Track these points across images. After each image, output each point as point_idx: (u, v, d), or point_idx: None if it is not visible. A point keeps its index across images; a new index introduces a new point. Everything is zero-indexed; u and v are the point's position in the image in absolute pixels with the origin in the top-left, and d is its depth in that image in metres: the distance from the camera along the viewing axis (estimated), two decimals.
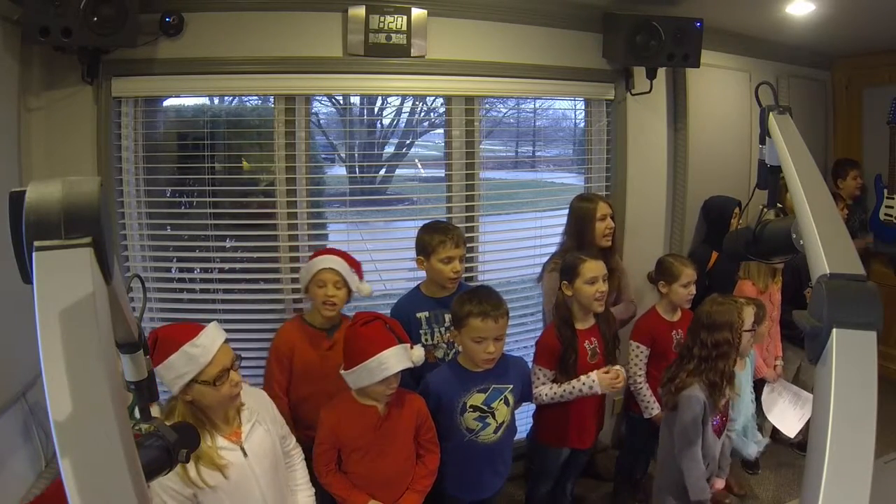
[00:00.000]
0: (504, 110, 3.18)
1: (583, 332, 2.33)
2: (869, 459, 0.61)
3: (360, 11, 2.49)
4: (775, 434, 2.98)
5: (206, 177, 2.58)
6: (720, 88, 3.46)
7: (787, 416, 2.77)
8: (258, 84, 2.55)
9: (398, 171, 3.16)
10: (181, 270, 2.73)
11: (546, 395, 2.27)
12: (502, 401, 2.09)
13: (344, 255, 2.25)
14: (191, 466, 1.51)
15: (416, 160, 3.21)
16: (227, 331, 1.66)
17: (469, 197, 2.85)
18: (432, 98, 2.97)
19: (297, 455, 1.90)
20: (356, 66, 2.54)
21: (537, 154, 3.29)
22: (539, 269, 2.98)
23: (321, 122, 2.88)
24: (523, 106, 3.12)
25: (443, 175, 2.88)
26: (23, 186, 0.63)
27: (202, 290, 2.71)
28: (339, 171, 2.97)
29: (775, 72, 3.70)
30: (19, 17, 2.00)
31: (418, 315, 2.32)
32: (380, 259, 2.81)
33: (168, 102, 2.65)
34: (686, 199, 3.32)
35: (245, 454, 1.63)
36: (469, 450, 2.09)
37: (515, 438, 2.32)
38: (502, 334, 2.03)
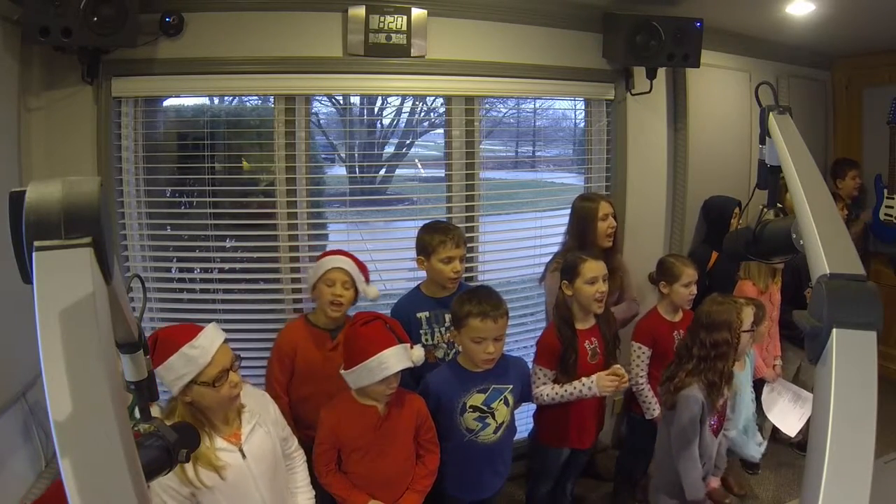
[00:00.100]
0: (504, 110, 3.18)
1: (583, 332, 2.32)
2: (869, 459, 0.61)
3: (360, 11, 2.49)
4: (775, 434, 2.98)
5: (206, 177, 2.58)
6: (720, 88, 3.46)
7: (788, 415, 2.77)
8: (258, 84, 2.55)
9: (398, 171, 3.16)
10: (181, 270, 2.73)
11: (546, 395, 2.27)
12: (502, 401, 2.09)
13: (353, 258, 2.26)
14: (188, 466, 1.51)
15: (416, 160, 3.21)
16: (226, 331, 1.66)
17: (469, 197, 2.85)
18: (432, 98, 2.97)
19: (299, 457, 1.90)
20: (356, 66, 2.54)
21: (537, 154, 3.29)
22: (539, 269, 2.98)
23: (321, 122, 2.88)
24: (523, 106, 3.12)
25: (443, 175, 2.88)
26: (23, 186, 0.63)
27: (202, 290, 2.71)
28: (339, 171, 2.97)
29: (775, 72, 3.70)
30: (19, 17, 2.00)
31: (418, 315, 2.32)
32: (380, 259, 2.81)
33: (168, 102, 2.65)
34: (686, 199, 3.32)
35: (244, 456, 1.63)
36: (469, 450, 2.09)
37: (516, 438, 2.32)
38: (502, 334, 2.03)
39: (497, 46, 2.73)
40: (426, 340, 2.32)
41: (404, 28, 2.54)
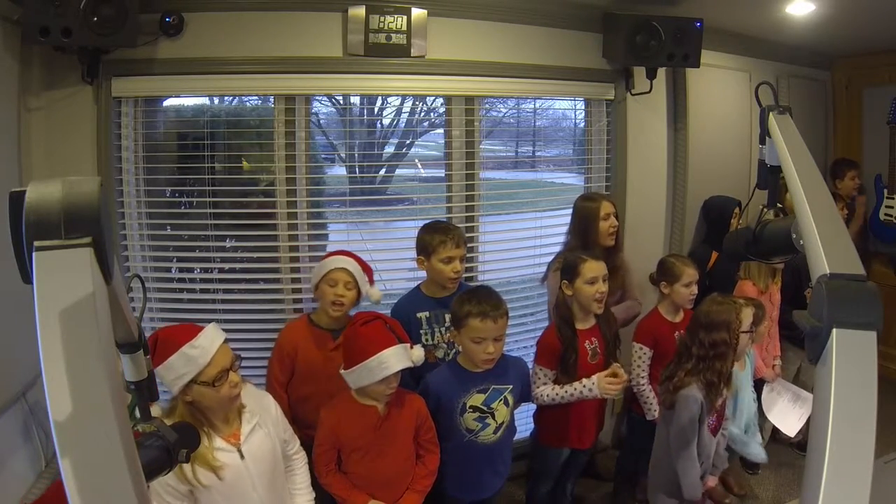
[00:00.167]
0: (504, 110, 3.18)
1: (583, 332, 2.32)
2: (869, 459, 0.61)
3: (360, 11, 2.49)
4: (775, 434, 2.98)
5: (206, 177, 2.58)
6: (720, 88, 3.46)
7: (787, 415, 2.77)
8: (258, 84, 2.55)
9: (398, 171, 3.16)
10: (181, 270, 2.73)
11: (546, 395, 2.27)
12: (502, 401, 2.09)
13: (357, 259, 2.25)
14: (185, 465, 1.51)
15: (416, 160, 3.21)
16: (226, 331, 1.66)
17: (469, 197, 2.85)
18: (432, 98, 2.97)
19: (300, 459, 1.90)
20: (356, 66, 2.54)
21: (537, 154, 3.28)
22: (539, 270, 2.98)
23: (321, 122, 2.88)
24: (523, 106, 3.12)
25: (443, 175, 2.88)
26: (23, 186, 0.63)
27: (202, 290, 2.71)
28: (339, 171, 2.97)
29: (775, 72, 3.70)
30: (19, 17, 2.00)
31: (419, 315, 2.32)
32: (380, 259, 2.81)
33: (168, 102, 2.65)
34: (686, 199, 3.32)
35: (242, 456, 1.63)
36: (469, 450, 2.09)
37: (516, 438, 2.32)
38: (502, 334, 2.03)
39: (497, 46, 2.73)
40: (426, 340, 2.32)
41: (404, 28, 2.54)
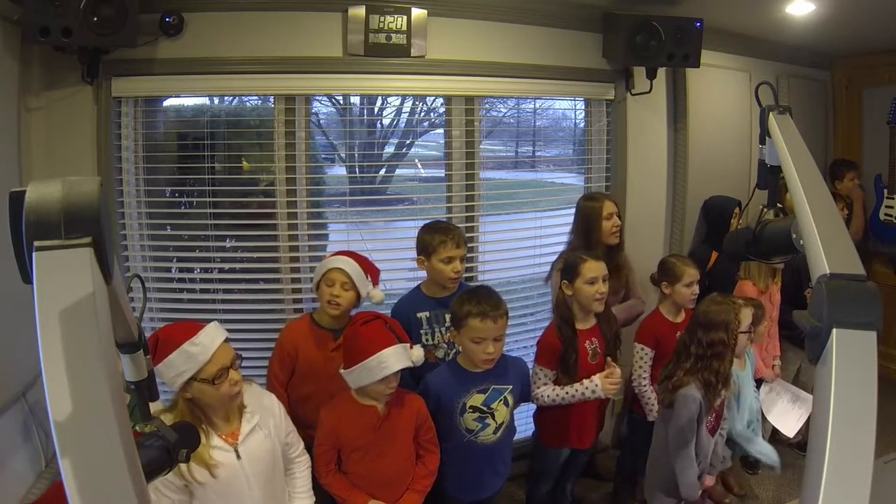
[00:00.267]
0: (504, 110, 3.18)
1: (583, 332, 2.32)
2: (869, 459, 0.61)
3: (360, 11, 2.49)
4: (775, 434, 2.98)
5: (206, 177, 2.58)
6: (720, 88, 3.46)
7: (787, 416, 2.77)
8: (258, 84, 2.55)
9: (398, 171, 3.16)
10: (181, 270, 2.73)
11: (547, 396, 2.27)
12: (502, 401, 2.09)
13: (360, 260, 2.23)
14: None
15: (416, 160, 3.21)
16: (227, 331, 1.66)
17: (469, 197, 2.85)
18: (432, 98, 2.97)
19: (303, 463, 1.89)
20: (356, 66, 2.54)
21: (537, 154, 3.28)
22: (538, 269, 2.98)
23: (321, 122, 2.88)
24: (523, 106, 3.12)
25: (443, 175, 2.88)
26: (23, 186, 0.63)
27: (202, 290, 2.71)
28: (339, 171, 2.97)
29: (775, 72, 3.70)
30: (19, 17, 2.00)
31: (419, 315, 2.32)
32: (380, 259, 2.80)
33: (168, 102, 2.65)
34: (686, 199, 3.32)
35: (238, 456, 1.64)
36: (468, 450, 2.09)
37: (516, 438, 2.32)
38: (502, 335, 2.03)
39: (497, 46, 2.73)
40: (426, 340, 2.32)
41: (404, 28, 2.54)
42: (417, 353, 1.90)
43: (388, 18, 2.52)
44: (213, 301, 2.65)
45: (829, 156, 4.12)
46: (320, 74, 2.53)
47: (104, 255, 0.64)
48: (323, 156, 2.88)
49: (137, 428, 1.01)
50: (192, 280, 2.73)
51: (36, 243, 0.61)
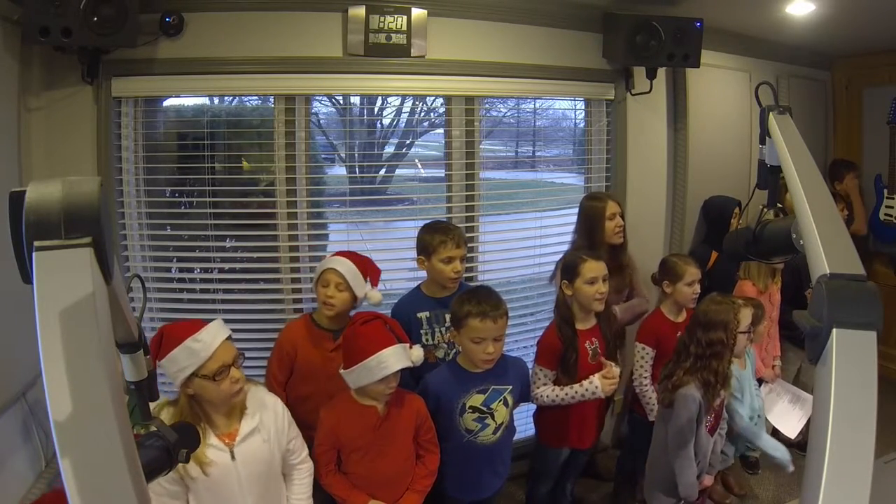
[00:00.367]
0: (504, 110, 3.18)
1: (583, 332, 2.32)
2: (869, 459, 0.61)
3: (360, 11, 2.49)
4: (775, 435, 2.97)
5: (206, 177, 2.58)
6: (720, 88, 3.46)
7: (787, 416, 2.77)
8: (258, 84, 2.55)
9: (398, 171, 3.16)
10: (181, 270, 2.73)
11: (547, 396, 2.27)
12: (501, 402, 2.09)
13: (358, 260, 2.21)
14: None
15: (416, 160, 3.21)
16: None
17: (469, 197, 2.85)
18: (432, 98, 2.97)
19: (304, 471, 1.88)
20: (356, 66, 2.54)
21: (537, 154, 3.28)
22: (538, 269, 2.99)
23: (321, 122, 2.88)
24: (523, 106, 3.12)
25: (443, 175, 2.88)
26: (23, 186, 0.63)
27: (202, 290, 2.71)
28: (339, 171, 2.97)
29: (775, 72, 3.70)
30: (19, 17, 2.00)
31: (419, 315, 2.32)
32: (380, 259, 2.80)
33: (168, 102, 2.64)
34: (686, 199, 3.32)
35: (233, 457, 1.64)
36: (468, 450, 2.09)
37: (517, 438, 2.31)
38: (501, 335, 2.03)
39: (497, 46, 2.73)
40: (426, 340, 2.32)
41: (404, 28, 2.54)
42: (417, 353, 1.91)
43: (388, 18, 2.52)
44: (213, 301, 2.65)
45: (829, 156, 4.12)
46: (320, 74, 2.53)
47: (104, 255, 0.64)
48: (323, 156, 2.88)
49: (137, 430, 1.00)
50: (192, 280, 2.73)
51: (36, 243, 0.61)
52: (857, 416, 0.63)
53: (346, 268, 2.15)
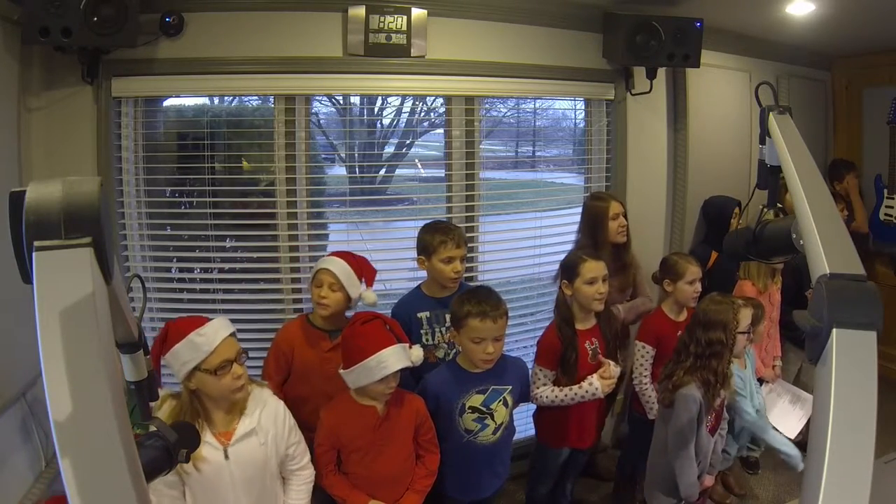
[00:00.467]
0: (504, 110, 3.18)
1: (583, 332, 2.32)
2: (869, 459, 0.61)
3: (360, 11, 2.49)
4: None
5: (206, 177, 2.58)
6: (720, 88, 3.45)
7: (787, 416, 2.76)
8: (258, 84, 2.55)
9: (398, 171, 3.16)
10: (181, 270, 2.73)
11: (546, 397, 2.27)
12: (501, 402, 2.09)
13: (353, 260, 2.21)
14: None
15: (416, 160, 3.21)
16: None
17: (469, 197, 2.85)
18: (432, 98, 2.97)
19: (303, 477, 1.87)
20: (356, 66, 2.54)
21: (537, 154, 3.28)
22: (538, 270, 2.99)
23: (321, 122, 2.88)
24: (523, 106, 3.12)
25: (443, 175, 2.88)
26: (23, 186, 0.63)
27: (202, 290, 2.71)
28: (339, 171, 2.97)
29: (775, 72, 3.70)
30: (19, 17, 2.00)
31: (419, 315, 2.32)
32: (380, 259, 2.80)
33: (168, 102, 2.65)
34: (686, 199, 3.32)
35: (226, 456, 1.65)
36: (468, 451, 2.09)
37: (517, 438, 2.31)
38: (501, 335, 2.03)
39: (497, 46, 2.73)
40: (427, 340, 2.32)
41: (404, 28, 2.54)
42: (417, 354, 1.91)
43: (388, 18, 2.52)
44: (213, 301, 2.65)
45: (829, 156, 4.12)
46: (320, 74, 2.53)
47: (104, 255, 0.64)
48: (323, 156, 2.88)
49: (136, 430, 1.01)
50: (192, 280, 2.73)
51: (36, 243, 0.61)
52: (857, 416, 0.63)
53: (340, 268, 2.15)
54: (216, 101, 2.72)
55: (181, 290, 2.70)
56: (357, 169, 2.87)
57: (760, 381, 2.84)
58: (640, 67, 2.93)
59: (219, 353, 1.62)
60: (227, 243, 2.71)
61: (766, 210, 1.33)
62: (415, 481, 2.01)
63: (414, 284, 2.45)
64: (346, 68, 2.54)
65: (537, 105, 3.14)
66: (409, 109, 3.14)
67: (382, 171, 3.11)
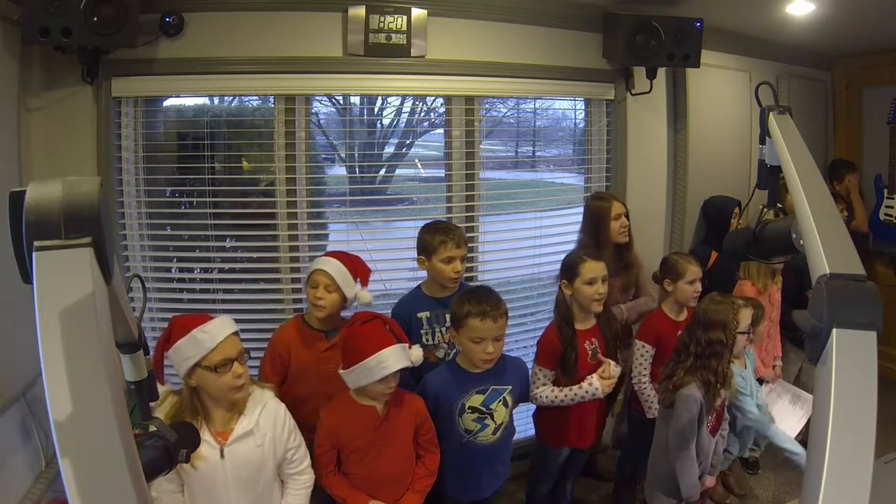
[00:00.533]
0: (504, 110, 3.18)
1: (583, 332, 2.32)
2: (869, 459, 0.61)
3: (360, 11, 2.49)
4: None
5: (206, 177, 2.58)
6: (720, 88, 3.45)
7: (787, 416, 2.76)
8: (258, 84, 2.55)
9: (398, 171, 3.16)
10: (181, 270, 2.73)
11: (546, 397, 2.26)
12: (501, 402, 2.09)
13: (347, 260, 2.20)
14: None
15: (416, 160, 3.21)
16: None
17: (469, 197, 2.85)
18: (432, 98, 2.97)
19: (302, 482, 1.86)
20: (356, 66, 2.54)
21: (537, 154, 3.29)
22: (538, 270, 2.99)
23: (321, 122, 2.88)
24: (523, 106, 3.12)
25: (443, 175, 2.88)
26: (23, 186, 0.63)
27: (202, 290, 2.71)
28: (339, 171, 2.97)
29: (775, 72, 3.70)
30: (19, 17, 2.00)
31: (419, 315, 2.32)
32: (380, 259, 2.81)
33: (168, 102, 2.65)
34: (686, 199, 3.32)
35: (222, 455, 1.66)
36: (467, 451, 2.09)
37: (517, 438, 2.31)
38: (501, 334, 2.02)
39: (497, 46, 2.73)
40: (427, 340, 2.32)
41: (404, 28, 2.54)
42: (416, 354, 1.90)
43: (388, 18, 2.52)
44: (213, 301, 2.64)
45: (829, 156, 4.12)
46: (320, 74, 2.53)
47: (104, 255, 0.64)
48: (323, 156, 2.88)
49: (136, 430, 1.01)
50: (192, 280, 2.73)
51: (36, 243, 0.61)
52: (857, 416, 0.63)
53: (335, 268, 2.14)
54: (216, 101, 2.72)
55: (181, 290, 2.70)
56: (357, 169, 2.87)
57: (760, 381, 2.84)
58: (640, 67, 2.93)
59: (220, 351, 1.63)
60: (227, 243, 2.71)
61: (766, 210, 1.33)
62: (415, 481, 2.01)
63: (414, 284, 2.45)
64: (346, 68, 2.54)
65: (537, 105, 3.14)
66: (409, 109, 3.14)
67: (382, 171, 3.11)
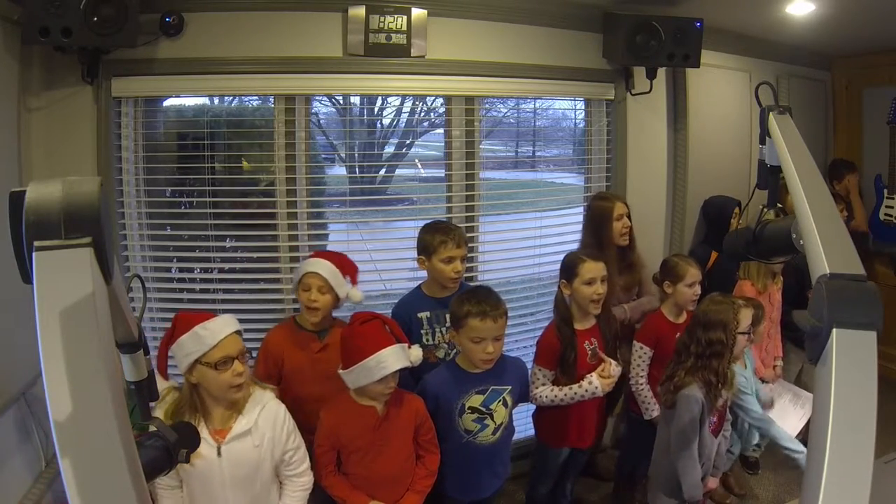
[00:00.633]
0: (504, 110, 3.18)
1: (582, 332, 2.32)
2: (869, 459, 0.61)
3: (360, 11, 2.49)
4: None
5: (206, 177, 2.58)
6: (720, 88, 3.45)
7: (787, 416, 2.76)
8: (258, 84, 2.54)
9: (398, 171, 3.16)
10: (181, 270, 2.72)
11: (545, 397, 2.27)
12: (501, 402, 2.09)
13: (336, 259, 2.20)
14: None
15: (416, 160, 3.21)
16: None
17: (469, 197, 2.85)
18: (432, 98, 2.97)
19: (300, 484, 1.86)
20: (356, 66, 2.54)
21: (537, 154, 3.28)
22: (538, 270, 2.99)
23: (321, 122, 2.88)
24: (523, 106, 3.12)
25: (443, 175, 2.88)
26: (23, 186, 0.63)
27: (202, 290, 2.71)
28: (339, 171, 2.97)
29: (775, 72, 3.70)
30: (19, 17, 2.00)
31: (419, 315, 2.32)
32: (380, 259, 2.81)
33: (168, 102, 2.64)
34: (686, 199, 3.32)
35: (219, 454, 1.66)
36: (467, 451, 2.09)
37: (517, 438, 2.31)
38: (501, 334, 2.02)
39: (497, 46, 2.73)
40: (427, 340, 2.32)
41: (404, 28, 2.54)
42: (416, 354, 1.91)
43: (388, 18, 2.52)
44: (214, 301, 2.64)
45: (829, 156, 4.12)
46: (320, 74, 2.53)
47: (104, 255, 0.64)
48: (323, 156, 2.88)
49: (136, 430, 1.01)
50: (192, 280, 2.73)
51: (36, 243, 0.61)
52: (857, 416, 0.63)
53: (327, 270, 2.14)
54: (216, 101, 2.72)
55: (181, 290, 2.70)
56: (357, 169, 2.87)
57: (760, 381, 2.84)
58: (640, 67, 2.93)
59: (221, 348, 1.65)
60: (227, 243, 2.71)
61: (766, 210, 1.33)
62: (415, 482, 2.01)
63: (414, 284, 2.45)
64: (346, 68, 2.54)
65: (537, 105, 3.14)
66: (408, 109, 3.14)
67: (382, 171, 3.11)
